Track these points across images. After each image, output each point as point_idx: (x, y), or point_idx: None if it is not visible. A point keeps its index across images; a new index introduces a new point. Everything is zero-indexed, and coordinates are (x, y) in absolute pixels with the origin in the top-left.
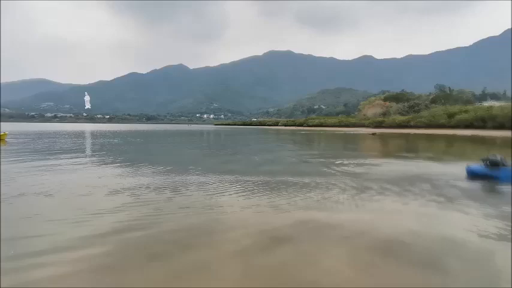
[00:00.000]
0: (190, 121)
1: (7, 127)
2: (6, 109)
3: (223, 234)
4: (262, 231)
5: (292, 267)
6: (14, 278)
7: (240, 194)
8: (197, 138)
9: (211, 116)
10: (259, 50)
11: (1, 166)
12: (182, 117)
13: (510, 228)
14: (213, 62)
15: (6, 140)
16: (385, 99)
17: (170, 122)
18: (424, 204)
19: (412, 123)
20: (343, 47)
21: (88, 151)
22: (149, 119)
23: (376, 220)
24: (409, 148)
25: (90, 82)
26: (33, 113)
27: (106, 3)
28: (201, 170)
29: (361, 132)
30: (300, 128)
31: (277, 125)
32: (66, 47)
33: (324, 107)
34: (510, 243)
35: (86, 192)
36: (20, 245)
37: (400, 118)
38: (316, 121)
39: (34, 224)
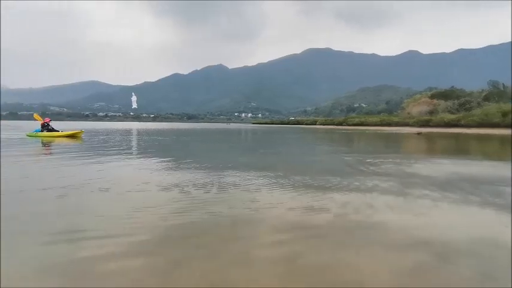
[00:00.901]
0: (228, 120)
1: (68, 125)
2: (64, 109)
3: (263, 230)
4: (301, 229)
5: (333, 268)
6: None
7: (279, 191)
8: (236, 136)
9: (249, 115)
10: (297, 49)
11: (78, 161)
12: (221, 116)
13: None
14: (251, 61)
15: (82, 137)
16: (432, 97)
17: (209, 120)
18: (480, 210)
19: (462, 122)
20: (386, 43)
21: (145, 148)
22: (190, 118)
23: (424, 223)
24: (461, 148)
25: (137, 83)
26: (88, 113)
27: (149, 4)
28: (242, 167)
29: (405, 132)
30: (338, 127)
31: (314, 124)
32: (115, 50)
33: (364, 106)
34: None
35: (138, 188)
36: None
37: (449, 117)
38: (356, 120)
39: (86, 217)
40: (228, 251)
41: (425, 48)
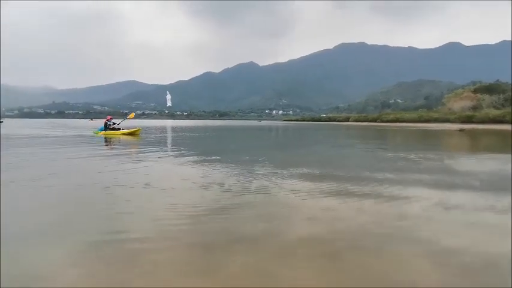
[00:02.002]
0: (259, 117)
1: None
2: (105, 107)
3: (299, 226)
4: (337, 228)
5: (373, 269)
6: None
7: (314, 187)
8: (267, 133)
9: (280, 112)
10: (329, 44)
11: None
12: (252, 114)
13: None
14: (283, 58)
15: (140, 134)
16: (475, 91)
17: (241, 118)
18: None
19: (508, 118)
20: (425, 35)
21: (186, 144)
22: (221, 115)
23: (472, 233)
24: (508, 146)
25: (171, 82)
26: (126, 111)
27: (184, 4)
28: (275, 163)
29: (446, 129)
30: (372, 123)
31: (347, 121)
32: (151, 50)
33: (400, 101)
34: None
35: (178, 183)
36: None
37: (494, 112)
38: (392, 116)
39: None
40: (267, 245)
41: (468, 40)
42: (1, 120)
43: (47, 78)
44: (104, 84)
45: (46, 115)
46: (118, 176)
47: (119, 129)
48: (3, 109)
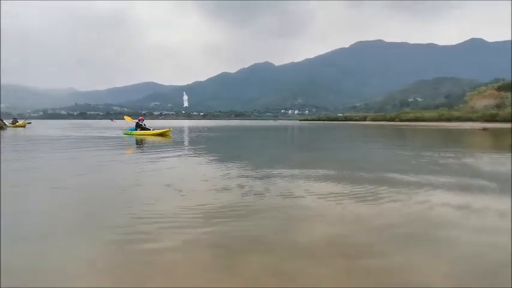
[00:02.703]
0: (275, 117)
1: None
2: (124, 108)
3: (319, 227)
4: (358, 229)
5: (394, 272)
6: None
7: (333, 190)
8: (284, 133)
9: (296, 111)
10: (345, 42)
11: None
12: (267, 113)
13: None
14: (298, 57)
15: (170, 135)
16: (499, 89)
17: (256, 118)
18: None
19: None
20: (445, 31)
21: (207, 144)
22: (237, 115)
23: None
24: None
25: (188, 83)
26: (145, 112)
27: (198, 4)
28: (293, 164)
29: (468, 128)
30: (391, 123)
31: (364, 120)
32: (168, 52)
33: (420, 100)
34: None
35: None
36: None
37: None
38: (411, 115)
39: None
40: (285, 246)
41: (491, 36)
42: (29, 122)
43: (70, 80)
44: (123, 85)
45: (69, 116)
46: (143, 176)
47: (149, 129)
48: (28, 110)
